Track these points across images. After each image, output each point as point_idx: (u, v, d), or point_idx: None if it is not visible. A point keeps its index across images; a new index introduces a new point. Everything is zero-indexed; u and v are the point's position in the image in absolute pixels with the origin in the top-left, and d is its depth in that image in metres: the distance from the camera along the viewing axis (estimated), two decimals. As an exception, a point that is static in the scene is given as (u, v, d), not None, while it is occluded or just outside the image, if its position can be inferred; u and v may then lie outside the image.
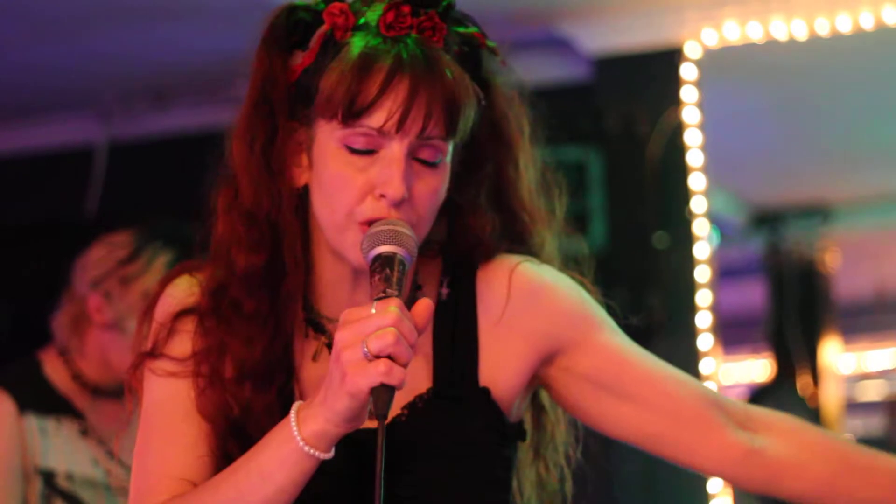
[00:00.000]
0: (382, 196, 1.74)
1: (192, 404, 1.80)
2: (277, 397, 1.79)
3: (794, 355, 6.96)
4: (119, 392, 3.21)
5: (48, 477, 3.09)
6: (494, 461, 1.82)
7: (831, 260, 7.23)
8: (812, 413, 6.62)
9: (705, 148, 4.72)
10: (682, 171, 4.69)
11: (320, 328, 1.83)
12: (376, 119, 1.73)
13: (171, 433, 1.81)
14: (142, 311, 1.90)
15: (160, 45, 4.80)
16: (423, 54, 1.75)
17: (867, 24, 4.62)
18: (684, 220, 4.68)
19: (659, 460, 1.89)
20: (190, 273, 1.88)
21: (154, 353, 1.83)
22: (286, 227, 1.83)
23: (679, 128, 4.69)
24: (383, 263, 1.68)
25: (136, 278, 3.15)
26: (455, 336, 1.84)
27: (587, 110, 4.64)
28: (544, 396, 1.95)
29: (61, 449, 3.11)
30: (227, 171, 1.89)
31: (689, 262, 4.67)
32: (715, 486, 4.56)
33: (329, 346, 1.81)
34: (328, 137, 1.77)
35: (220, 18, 4.53)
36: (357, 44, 1.76)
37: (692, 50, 4.73)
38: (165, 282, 1.89)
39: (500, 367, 1.84)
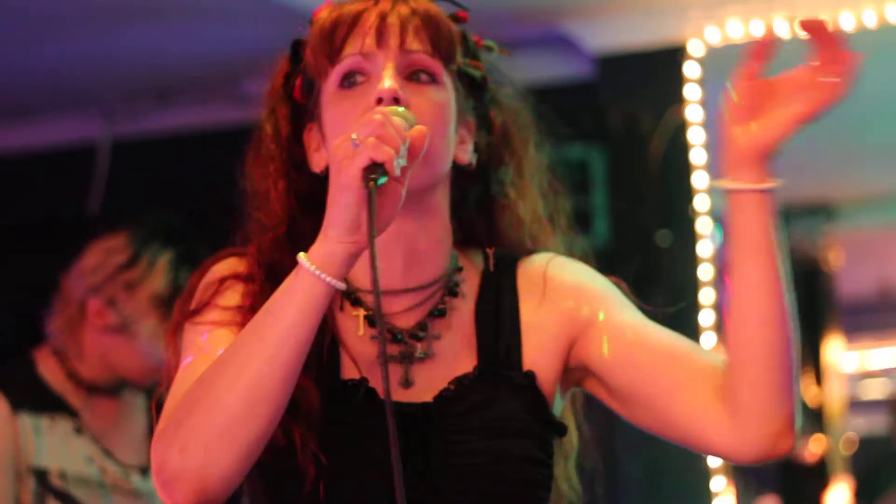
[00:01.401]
0: (379, 101, 1.78)
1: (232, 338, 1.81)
2: (317, 365, 1.81)
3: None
4: (114, 389, 3.22)
5: (41, 476, 3.09)
6: (538, 442, 1.84)
7: (834, 258, 7.22)
8: (809, 411, 6.62)
9: (708, 146, 4.71)
10: (686, 168, 4.69)
11: (357, 301, 1.88)
12: (356, 42, 1.83)
13: (206, 346, 1.82)
14: (186, 289, 1.92)
15: (163, 43, 4.80)
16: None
17: (871, 21, 4.62)
18: (687, 217, 4.68)
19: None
20: (238, 255, 1.92)
21: (199, 308, 1.85)
22: (301, 221, 1.89)
23: (682, 126, 4.69)
24: None
25: (140, 282, 3.15)
26: (498, 321, 1.88)
27: (590, 108, 4.64)
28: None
29: (55, 447, 3.11)
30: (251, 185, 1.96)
31: (693, 260, 4.66)
32: (718, 485, 4.56)
33: (367, 317, 1.86)
34: (327, 92, 1.86)
35: (223, 17, 4.53)
36: (332, 7, 1.90)
37: (695, 48, 4.73)
38: (210, 263, 1.92)
39: (541, 352, 1.88)
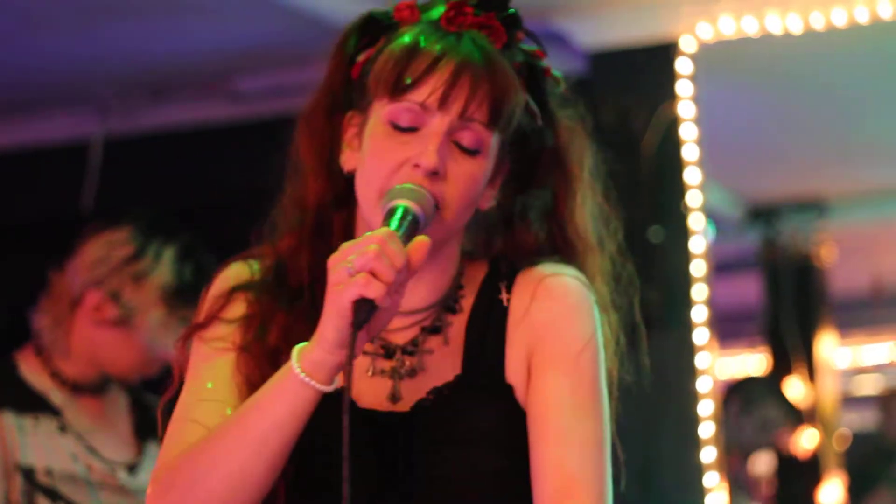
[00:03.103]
0: (416, 166, 1.79)
1: (230, 371, 1.86)
2: None
3: (790, 350, 6.97)
4: (98, 388, 3.23)
5: (28, 473, 3.09)
6: (514, 455, 1.83)
7: (827, 254, 7.23)
8: (790, 404, 6.61)
9: (700, 142, 4.72)
10: (678, 165, 4.70)
11: None
12: (420, 94, 1.81)
13: (204, 390, 1.86)
14: (201, 295, 1.96)
15: (157, 40, 4.80)
16: (477, 45, 1.85)
17: (862, 18, 4.63)
18: (680, 214, 4.69)
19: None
20: (244, 259, 1.95)
21: (206, 321, 1.90)
22: (332, 213, 1.91)
23: (674, 122, 4.70)
24: (392, 214, 1.76)
25: (148, 274, 3.16)
26: (486, 334, 1.88)
27: (582, 105, 4.64)
28: None
29: (40, 445, 3.11)
30: (292, 161, 1.97)
31: (685, 257, 4.67)
32: (711, 480, 4.57)
33: None
34: (377, 115, 1.85)
35: (218, 14, 4.53)
36: (415, 30, 1.86)
37: (687, 44, 4.74)
38: (220, 269, 1.96)
39: (520, 368, 1.86)
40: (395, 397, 1.86)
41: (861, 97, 5.52)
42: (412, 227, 1.75)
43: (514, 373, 1.86)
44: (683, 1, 4.69)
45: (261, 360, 1.85)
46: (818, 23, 4.64)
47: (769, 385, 6.72)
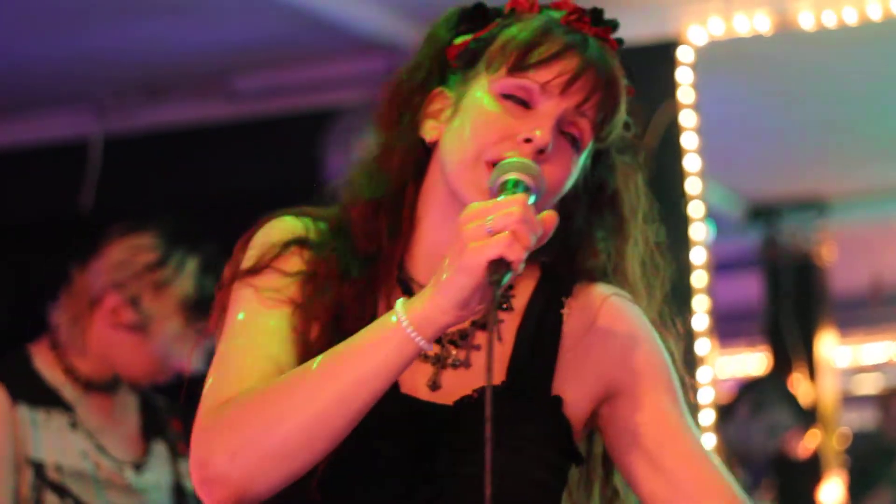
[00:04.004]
0: (527, 141, 1.77)
1: (288, 325, 1.79)
2: None
3: (790, 349, 6.96)
4: (110, 387, 3.23)
5: (38, 468, 3.09)
6: (548, 467, 1.81)
7: (827, 253, 7.23)
8: (800, 408, 6.61)
9: (701, 142, 4.71)
10: (678, 164, 4.69)
11: (409, 291, 1.84)
12: (544, 74, 1.80)
13: (261, 328, 1.79)
14: (235, 249, 1.89)
15: (155, 39, 4.79)
16: (601, 48, 1.85)
17: (869, 16, 4.61)
18: (680, 214, 4.68)
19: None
20: (296, 215, 1.89)
21: (258, 268, 1.83)
22: (410, 182, 1.87)
23: (675, 121, 4.69)
24: (506, 186, 1.71)
25: (169, 283, 3.16)
26: (537, 341, 1.84)
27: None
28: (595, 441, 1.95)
29: (51, 440, 3.12)
30: (372, 129, 1.93)
31: (685, 257, 4.66)
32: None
33: None
34: (485, 88, 1.82)
35: (215, 13, 4.53)
36: (542, 18, 1.85)
37: (688, 43, 4.73)
38: (264, 221, 1.89)
39: (573, 382, 1.83)
40: (434, 385, 1.81)
41: (862, 97, 5.51)
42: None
43: (564, 385, 1.82)
44: (684, -1, 4.69)
45: (319, 320, 1.79)
46: (829, 20, 4.62)
47: (780, 387, 6.71)
